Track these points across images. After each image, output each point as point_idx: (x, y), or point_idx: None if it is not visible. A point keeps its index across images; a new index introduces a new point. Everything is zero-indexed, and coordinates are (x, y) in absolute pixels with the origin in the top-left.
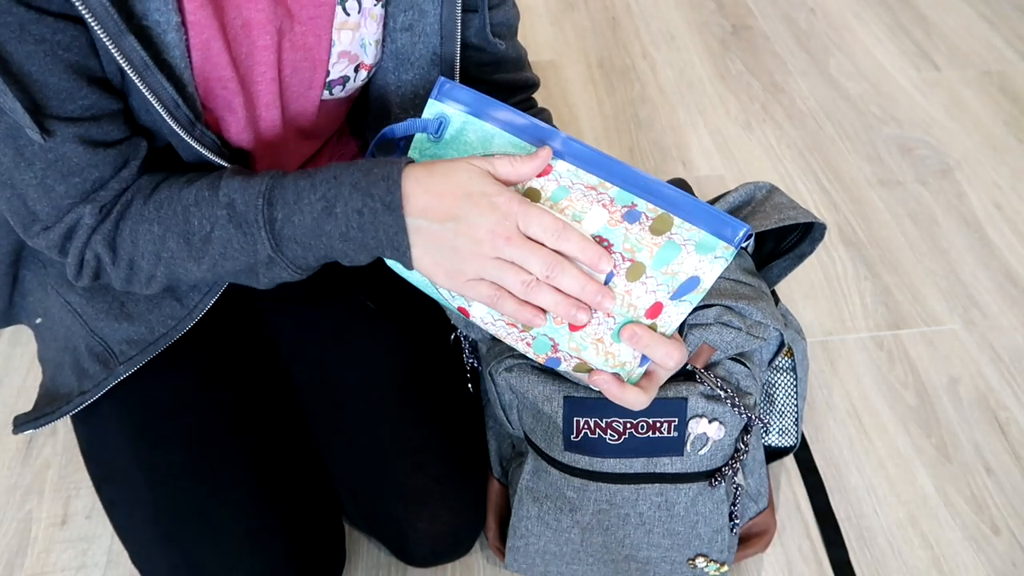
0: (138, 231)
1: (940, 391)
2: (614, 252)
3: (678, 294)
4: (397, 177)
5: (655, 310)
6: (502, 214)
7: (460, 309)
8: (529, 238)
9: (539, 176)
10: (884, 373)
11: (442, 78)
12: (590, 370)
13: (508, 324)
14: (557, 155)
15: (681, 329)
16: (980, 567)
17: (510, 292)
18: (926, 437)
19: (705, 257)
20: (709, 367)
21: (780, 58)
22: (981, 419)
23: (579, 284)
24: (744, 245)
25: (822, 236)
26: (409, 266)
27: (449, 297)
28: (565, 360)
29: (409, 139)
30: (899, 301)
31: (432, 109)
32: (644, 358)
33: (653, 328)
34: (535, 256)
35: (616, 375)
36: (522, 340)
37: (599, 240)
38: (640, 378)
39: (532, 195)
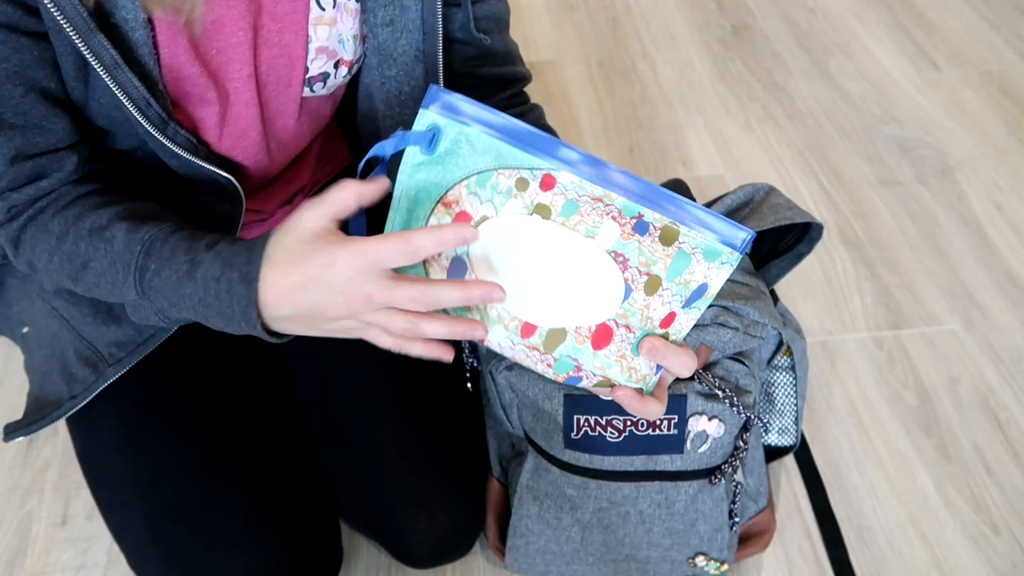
0: (38, 239)
1: (940, 391)
2: (630, 267)
3: (689, 302)
4: (260, 249)
5: (669, 320)
6: (360, 299)
7: None
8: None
9: (544, 190)
10: (884, 373)
11: (433, 85)
12: (611, 385)
13: (528, 348)
14: (561, 165)
15: None
16: (980, 567)
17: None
18: (926, 437)
19: (713, 264)
20: (708, 366)
21: (780, 58)
22: (981, 419)
23: (446, 328)
24: None
25: (819, 236)
26: (267, 336)
27: None
28: (587, 378)
29: (401, 154)
30: (899, 301)
31: (423, 120)
32: (658, 367)
33: (666, 337)
34: (393, 321)
35: (638, 389)
36: (543, 362)
37: (615, 255)
38: (655, 387)
39: (542, 211)
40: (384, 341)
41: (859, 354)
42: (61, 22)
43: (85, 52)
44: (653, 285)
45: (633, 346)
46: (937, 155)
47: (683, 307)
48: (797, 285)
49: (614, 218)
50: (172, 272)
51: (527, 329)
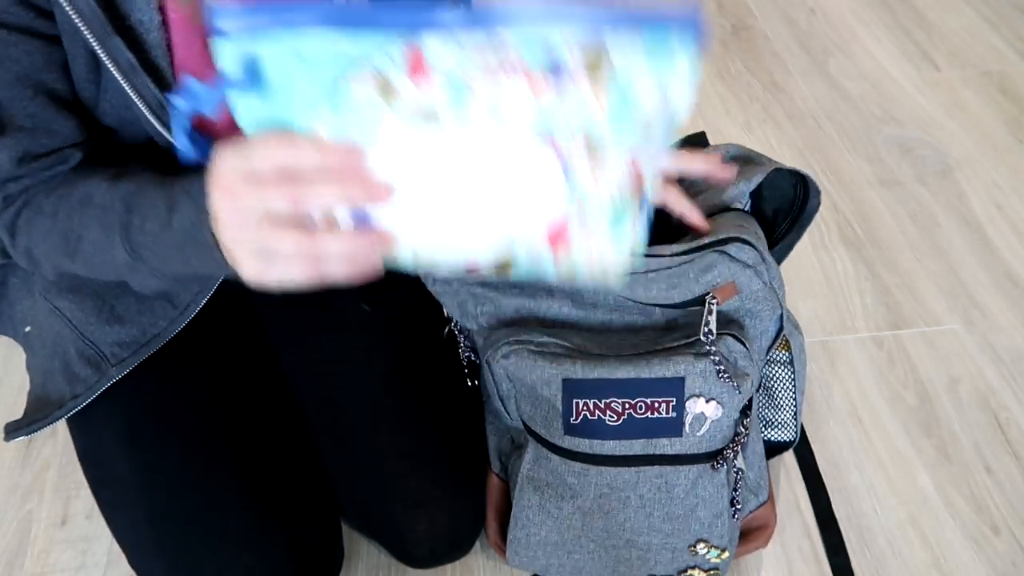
0: (33, 222)
1: (940, 391)
2: (559, 144)
3: (647, 139)
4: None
5: (636, 181)
6: (221, 175)
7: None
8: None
9: (415, 77)
10: (884, 373)
11: (214, 8)
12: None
13: (479, 276)
14: (419, 27)
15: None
16: (980, 567)
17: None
18: (926, 437)
19: (664, 66)
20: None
21: (780, 58)
22: (981, 419)
23: (337, 188)
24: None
25: (816, 207)
26: (231, 271)
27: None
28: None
29: None
30: (899, 301)
31: (228, 54)
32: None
33: (642, 190)
34: (267, 191)
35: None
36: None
37: (538, 136)
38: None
39: (427, 117)
40: (292, 272)
41: (859, 354)
42: (78, 24)
43: (101, 55)
44: (595, 151)
45: (610, 232)
46: (937, 155)
47: (645, 152)
48: (797, 285)
49: (516, 73)
50: (153, 223)
51: (469, 267)
